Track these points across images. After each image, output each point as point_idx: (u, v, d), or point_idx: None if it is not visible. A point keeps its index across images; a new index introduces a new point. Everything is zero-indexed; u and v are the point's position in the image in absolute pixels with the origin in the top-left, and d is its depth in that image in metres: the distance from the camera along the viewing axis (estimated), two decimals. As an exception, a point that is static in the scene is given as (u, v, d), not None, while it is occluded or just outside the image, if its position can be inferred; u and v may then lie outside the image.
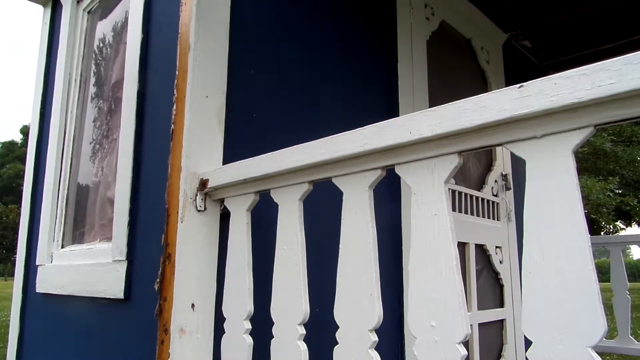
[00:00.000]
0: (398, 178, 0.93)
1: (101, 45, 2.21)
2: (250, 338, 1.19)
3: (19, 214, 2.54)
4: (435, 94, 2.36)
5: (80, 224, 2.07)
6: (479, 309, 2.43)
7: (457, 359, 0.78)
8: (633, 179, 16.76)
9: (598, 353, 0.65)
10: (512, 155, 1.53)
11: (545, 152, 0.72)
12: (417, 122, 0.86)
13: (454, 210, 2.37)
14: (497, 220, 2.73)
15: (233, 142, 1.47)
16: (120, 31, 2.04)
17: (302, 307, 1.05)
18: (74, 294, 1.80)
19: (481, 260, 2.55)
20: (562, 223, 0.69)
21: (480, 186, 2.68)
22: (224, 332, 1.25)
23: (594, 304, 0.65)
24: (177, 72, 1.44)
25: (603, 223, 18.72)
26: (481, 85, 2.85)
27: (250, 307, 1.20)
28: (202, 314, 1.32)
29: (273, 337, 1.10)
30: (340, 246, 0.99)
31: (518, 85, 0.73)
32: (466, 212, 2.46)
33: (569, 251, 0.68)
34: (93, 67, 2.23)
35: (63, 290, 1.88)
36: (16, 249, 2.43)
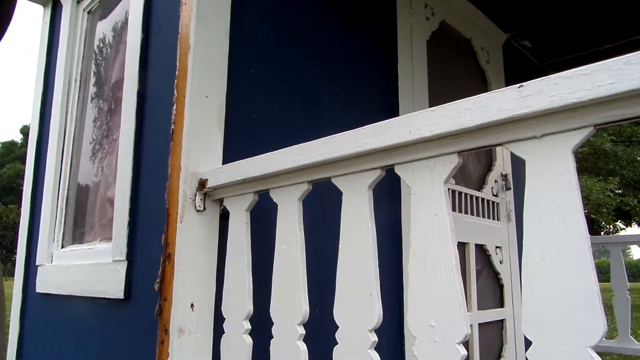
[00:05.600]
0: (398, 178, 0.93)
1: (101, 45, 2.21)
2: (250, 338, 1.19)
3: (19, 214, 2.54)
4: (435, 94, 2.36)
5: (80, 224, 2.07)
6: (479, 309, 2.43)
7: (457, 359, 0.78)
8: (633, 179, 16.75)
9: (598, 353, 0.65)
10: (512, 155, 1.53)
11: (545, 152, 0.72)
12: (416, 122, 0.86)
13: (454, 210, 2.37)
14: (497, 220, 2.73)
15: (233, 142, 1.47)
16: (120, 31, 2.04)
17: (301, 307, 1.05)
18: (74, 294, 1.80)
19: (481, 260, 2.55)
20: (562, 223, 0.69)
21: (480, 186, 2.68)
22: (224, 332, 1.26)
23: (594, 304, 0.65)
24: (177, 72, 1.44)
25: (603, 223, 18.70)
26: (481, 85, 2.85)
27: (249, 307, 1.20)
28: (202, 314, 1.32)
29: (272, 337, 1.10)
30: (339, 246, 0.99)
31: (518, 85, 0.73)
32: (466, 212, 2.46)
33: (569, 251, 0.68)
34: (93, 67, 2.23)
35: (63, 290, 1.88)
36: (16, 249, 2.43)
